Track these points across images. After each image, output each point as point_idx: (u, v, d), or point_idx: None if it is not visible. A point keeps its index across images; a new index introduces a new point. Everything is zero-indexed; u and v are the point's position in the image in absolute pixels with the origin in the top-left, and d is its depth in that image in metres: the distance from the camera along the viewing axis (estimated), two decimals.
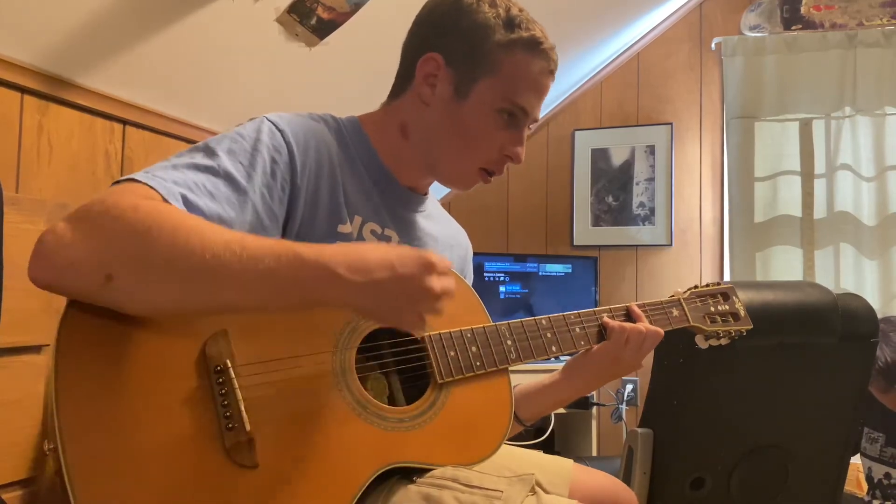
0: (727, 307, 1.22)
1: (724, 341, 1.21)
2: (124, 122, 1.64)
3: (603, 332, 1.09)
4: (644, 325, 1.09)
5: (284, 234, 0.90)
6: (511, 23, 0.98)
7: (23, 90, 1.39)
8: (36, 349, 1.21)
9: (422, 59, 0.99)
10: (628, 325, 1.08)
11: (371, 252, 0.77)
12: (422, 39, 1.01)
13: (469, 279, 1.19)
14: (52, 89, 1.43)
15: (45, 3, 1.30)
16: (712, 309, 1.21)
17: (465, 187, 1.06)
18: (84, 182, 1.53)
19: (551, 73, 1.01)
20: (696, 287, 1.23)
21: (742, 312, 1.23)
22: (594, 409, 2.79)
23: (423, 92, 1.00)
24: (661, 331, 1.11)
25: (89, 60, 1.48)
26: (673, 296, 1.19)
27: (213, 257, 0.71)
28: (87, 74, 1.50)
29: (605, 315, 1.10)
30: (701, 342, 1.21)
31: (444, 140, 1.01)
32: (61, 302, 0.73)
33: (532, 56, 0.99)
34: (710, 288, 1.23)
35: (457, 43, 0.98)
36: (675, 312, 1.17)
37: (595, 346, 1.08)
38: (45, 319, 1.18)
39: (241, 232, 0.78)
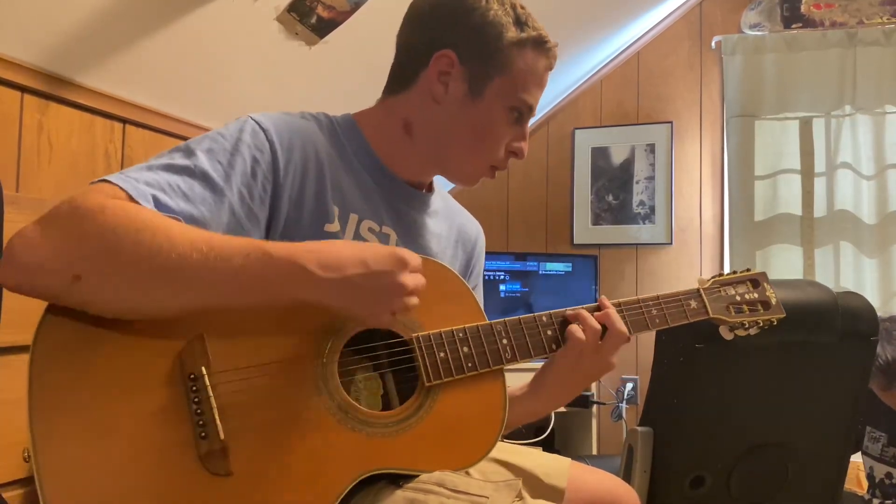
0: (756, 295, 1.14)
1: (752, 331, 1.13)
2: (124, 121, 1.64)
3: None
4: (594, 326, 0.99)
5: (268, 234, 0.89)
6: (519, 21, 0.98)
7: (23, 89, 1.39)
8: None
9: (436, 55, 0.97)
10: (575, 328, 0.99)
11: (344, 249, 0.78)
12: (430, 36, 0.99)
13: (479, 273, 1.17)
14: (52, 88, 1.43)
15: (46, 2, 1.30)
16: (738, 298, 1.13)
17: (471, 184, 1.06)
18: (84, 181, 1.52)
19: (551, 69, 1.03)
20: (720, 275, 1.14)
21: (773, 300, 1.14)
22: (594, 408, 2.79)
23: (435, 89, 0.98)
24: (625, 333, 1.00)
25: (89, 59, 1.48)
26: (696, 284, 1.12)
27: (178, 256, 0.71)
28: (87, 73, 1.50)
29: (568, 311, 1.01)
30: (725, 333, 1.13)
31: (457, 139, 1.00)
32: None
33: (539, 54, 0.99)
34: (739, 275, 1.15)
35: (469, 40, 0.97)
36: (694, 304, 1.09)
37: (556, 354, 1.00)
38: None
39: (212, 231, 0.77)
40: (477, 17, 0.97)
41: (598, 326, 1.00)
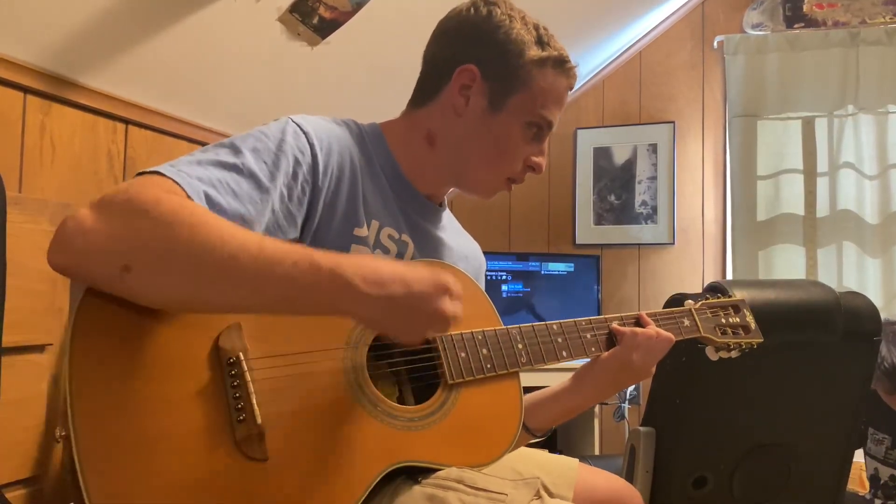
0: (738, 319, 1.22)
1: (734, 354, 1.21)
2: (127, 121, 1.64)
3: (613, 339, 1.09)
4: (653, 329, 1.09)
5: (302, 234, 0.91)
6: (541, 40, 1.02)
7: (25, 90, 1.39)
8: (39, 349, 1.21)
9: (458, 69, 1.01)
10: (638, 329, 1.08)
11: (383, 265, 0.78)
12: (454, 51, 1.03)
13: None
14: (55, 89, 1.43)
15: (48, 2, 1.30)
16: (723, 321, 1.21)
17: (488, 196, 1.10)
18: (86, 182, 1.53)
19: (571, 88, 1.06)
20: (707, 298, 1.24)
21: (753, 325, 1.23)
22: (596, 408, 2.79)
23: (456, 102, 1.02)
24: (672, 336, 1.10)
25: (92, 60, 1.48)
26: (684, 306, 1.20)
27: (230, 257, 0.71)
28: (90, 74, 1.50)
29: (615, 322, 1.10)
30: (711, 354, 1.21)
31: (475, 151, 1.03)
32: (65, 301, 0.73)
33: (559, 73, 1.03)
34: (722, 300, 1.24)
35: (493, 56, 1.01)
36: (686, 322, 1.17)
37: (605, 353, 1.08)
38: (48, 319, 1.18)
39: (260, 233, 0.79)
40: (501, 35, 1.00)
41: (654, 335, 1.08)
